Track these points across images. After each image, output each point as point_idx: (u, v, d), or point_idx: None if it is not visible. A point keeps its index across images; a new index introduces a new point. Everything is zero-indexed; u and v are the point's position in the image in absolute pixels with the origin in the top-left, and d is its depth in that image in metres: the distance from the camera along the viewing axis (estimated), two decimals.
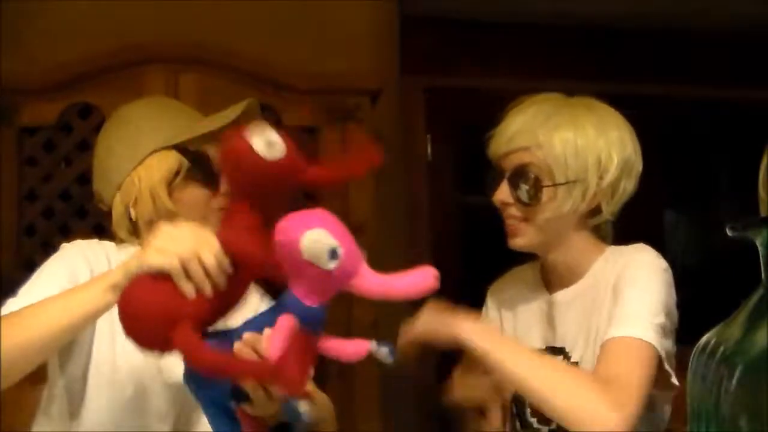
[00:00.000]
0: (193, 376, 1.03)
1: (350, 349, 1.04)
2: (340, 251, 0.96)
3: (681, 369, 1.33)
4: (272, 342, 0.97)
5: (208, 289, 0.99)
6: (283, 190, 1.02)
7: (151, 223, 1.36)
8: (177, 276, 0.98)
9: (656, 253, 1.34)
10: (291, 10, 2.63)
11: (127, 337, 1.00)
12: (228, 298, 1.02)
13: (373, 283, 0.99)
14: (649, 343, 1.22)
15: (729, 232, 0.75)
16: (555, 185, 1.32)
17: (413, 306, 2.89)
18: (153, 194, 1.34)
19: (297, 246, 0.95)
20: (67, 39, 2.43)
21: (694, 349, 0.75)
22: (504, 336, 1.29)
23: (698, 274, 3.37)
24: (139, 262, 1.02)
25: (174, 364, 1.32)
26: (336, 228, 0.98)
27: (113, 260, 1.36)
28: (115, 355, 1.32)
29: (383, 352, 1.03)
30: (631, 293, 1.28)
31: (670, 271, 1.32)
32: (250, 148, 0.97)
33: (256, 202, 1.01)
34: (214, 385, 1.02)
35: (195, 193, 1.35)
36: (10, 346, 1.09)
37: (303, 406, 1.01)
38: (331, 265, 0.96)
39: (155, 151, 1.34)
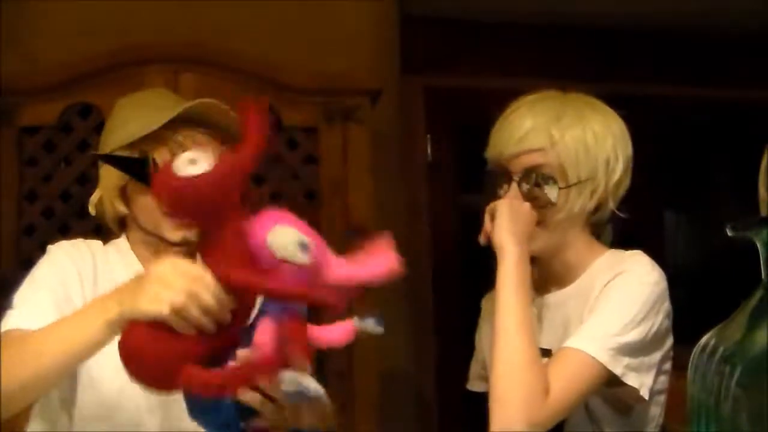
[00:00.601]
0: (196, 407, 1.02)
1: (336, 333, 1.04)
2: (311, 244, 0.96)
3: (681, 369, 1.33)
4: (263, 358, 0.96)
5: (209, 327, 0.97)
6: (230, 201, 0.99)
7: (117, 222, 1.39)
8: (172, 323, 0.96)
9: (651, 263, 1.32)
10: (291, 10, 2.63)
11: (133, 381, 0.99)
12: (234, 324, 1.00)
13: (341, 272, 0.99)
14: (598, 362, 1.22)
15: (729, 232, 0.74)
16: (569, 186, 1.32)
17: (414, 304, 2.88)
18: (109, 200, 1.36)
19: (267, 247, 0.95)
20: (67, 39, 2.43)
21: (694, 349, 0.75)
22: (520, 291, 1.28)
23: (698, 274, 3.37)
24: (134, 308, 0.99)
25: None
26: (296, 222, 0.98)
27: (99, 259, 1.37)
28: (99, 353, 1.31)
29: (369, 324, 1.02)
30: (605, 308, 1.27)
31: (662, 282, 1.31)
32: (172, 174, 0.96)
33: (218, 221, 0.98)
34: (219, 411, 1.01)
35: (143, 199, 1.33)
36: (7, 383, 1.08)
37: (308, 380, 0.98)
38: (305, 258, 0.96)
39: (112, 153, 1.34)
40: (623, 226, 1.42)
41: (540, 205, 1.33)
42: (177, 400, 1.33)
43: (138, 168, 1.31)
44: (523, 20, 3.10)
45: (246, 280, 0.96)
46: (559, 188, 1.32)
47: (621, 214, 1.38)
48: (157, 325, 0.96)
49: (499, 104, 1.40)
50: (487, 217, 1.35)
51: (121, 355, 0.98)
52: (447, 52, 3.12)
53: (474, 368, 1.54)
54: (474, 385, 1.52)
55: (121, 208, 1.36)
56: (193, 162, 0.96)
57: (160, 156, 1.30)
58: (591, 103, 1.38)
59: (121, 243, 1.42)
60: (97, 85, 2.20)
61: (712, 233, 3.25)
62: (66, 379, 1.32)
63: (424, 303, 2.88)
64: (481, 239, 1.35)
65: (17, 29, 2.43)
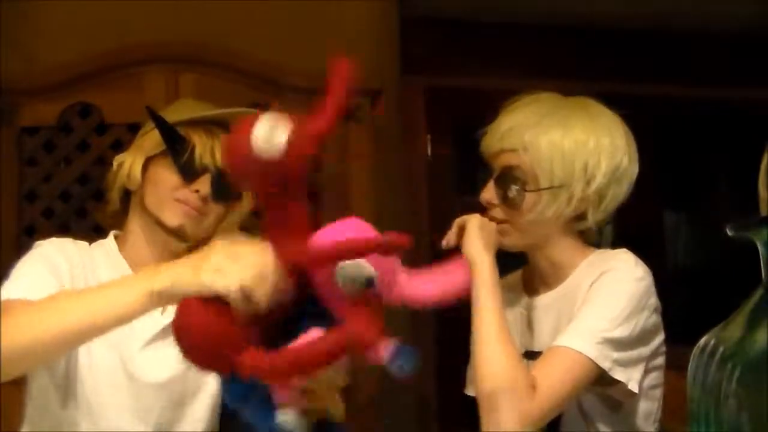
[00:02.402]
0: (237, 398, 1.00)
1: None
2: (376, 277, 0.94)
3: (681, 369, 1.33)
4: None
5: (265, 311, 0.95)
6: (299, 180, 0.97)
7: (120, 191, 1.40)
8: (236, 304, 0.94)
9: (635, 260, 1.33)
10: (291, 10, 2.63)
11: (184, 360, 0.96)
12: (284, 308, 0.98)
13: (412, 291, 0.98)
14: (586, 357, 1.23)
15: (729, 232, 0.74)
16: (539, 190, 1.32)
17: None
18: (130, 162, 1.38)
19: (332, 276, 0.93)
20: (67, 39, 2.43)
21: (694, 349, 0.75)
22: (496, 296, 1.30)
23: (698, 274, 3.37)
24: (195, 281, 0.96)
25: (147, 365, 1.33)
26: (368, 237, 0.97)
27: (86, 259, 1.37)
28: (90, 359, 1.31)
29: (395, 366, 0.94)
30: (591, 305, 1.29)
31: (647, 278, 1.31)
32: (248, 147, 0.92)
33: (284, 197, 0.96)
34: (258, 406, 0.99)
35: (162, 174, 1.36)
36: (33, 337, 1.03)
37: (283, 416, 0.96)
38: (368, 290, 0.94)
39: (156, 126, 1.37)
40: (623, 226, 1.42)
41: (511, 205, 1.34)
42: (169, 408, 1.34)
43: (176, 141, 1.34)
44: (523, 20, 3.10)
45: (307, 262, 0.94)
46: (526, 191, 1.32)
47: (601, 227, 1.38)
48: (214, 305, 0.93)
49: (499, 104, 1.40)
50: (455, 227, 1.38)
51: (175, 332, 0.95)
52: (447, 52, 3.12)
53: (470, 373, 1.54)
54: (471, 390, 1.52)
55: (137, 175, 1.36)
56: (272, 135, 0.92)
57: (199, 144, 1.34)
58: (586, 109, 1.36)
59: (109, 244, 1.41)
60: (97, 85, 2.21)
61: (712, 233, 3.26)
62: (53, 389, 1.31)
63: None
64: (444, 243, 1.39)
65: (17, 29, 2.43)
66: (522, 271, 1.48)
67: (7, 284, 1.25)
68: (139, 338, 1.33)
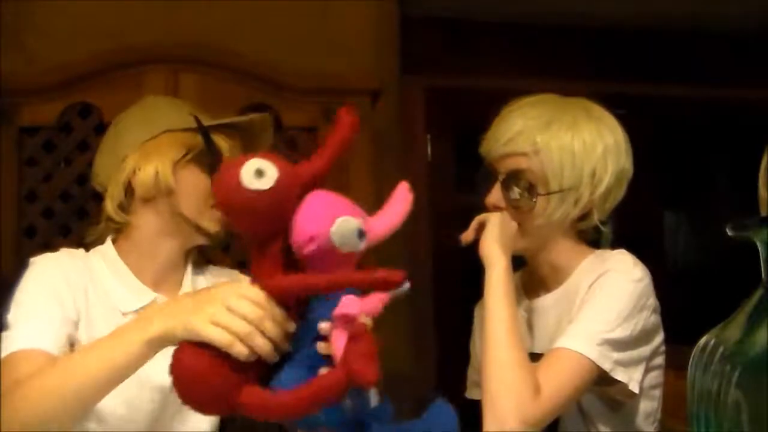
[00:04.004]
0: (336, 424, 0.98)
1: (373, 305, 1.00)
2: (364, 227, 0.95)
3: (681, 369, 1.33)
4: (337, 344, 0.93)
5: (270, 356, 0.94)
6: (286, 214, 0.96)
7: (147, 201, 1.36)
8: (233, 352, 0.92)
9: (634, 260, 1.33)
10: (291, 10, 2.63)
11: (185, 405, 0.95)
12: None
13: (379, 230, 0.99)
14: (587, 359, 1.23)
15: (729, 232, 0.74)
16: (549, 194, 1.32)
17: (414, 305, 2.84)
18: (157, 169, 1.34)
19: (328, 239, 0.93)
20: (67, 39, 2.43)
21: (694, 349, 0.75)
22: (508, 298, 1.30)
23: (698, 274, 3.37)
24: (187, 329, 0.95)
25: (150, 368, 1.33)
26: (344, 204, 0.97)
27: (85, 268, 1.35)
28: None
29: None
30: (590, 307, 1.29)
31: (646, 279, 1.31)
32: (239, 184, 0.92)
33: (273, 234, 0.95)
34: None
35: (198, 177, 1.35)
36: (44, 405, 1.06)
37: (374, 396, 0.96)
38: (361, 244, 0.95)
39: (169, 130, 1.36)
40: (623, 226, 1.42)
41: (519, 209, 1.34)
42: (173, 409, 1.33)
43: (217, 150, 1.33)
44: (523, 20, 3.10)
45: (302, 283, 0.94)
46: (538, 195, 1.32)
47: (603, 228, 1.38)
48: (211, 350, 0.93)
49: (499, 104, 1.40)
50: (475, 223, 1.37)
51: (174, 379, 0.93)
52: (447, 52, 3.12)
53: (471, 375, 1.54)
54: (472, 393, 1.52)
55: (169, 182, 1.34)
56: (260, 174, 0.92)
57: (226, 149, 1.35)
58: (588, 110, 1.36)
59: (107, 250, 1.40)
60: (96, 86, 2.21)
61: (712, 233, 3.25)
62: None
63: (424, 303, 2.88)
64: (462, 239, 1.38)
65: (17, 29, 2.43)
66: (520, 273, 1.48)
67: (14, 329, 1.24)
68: None
